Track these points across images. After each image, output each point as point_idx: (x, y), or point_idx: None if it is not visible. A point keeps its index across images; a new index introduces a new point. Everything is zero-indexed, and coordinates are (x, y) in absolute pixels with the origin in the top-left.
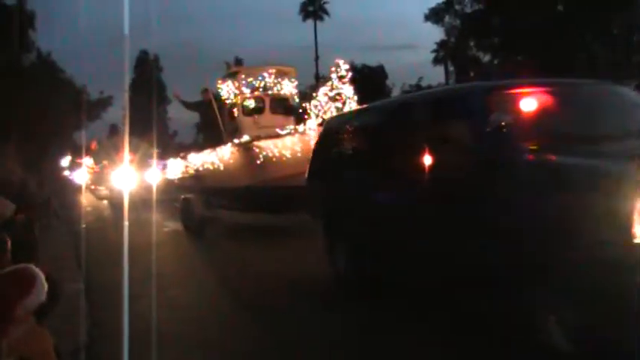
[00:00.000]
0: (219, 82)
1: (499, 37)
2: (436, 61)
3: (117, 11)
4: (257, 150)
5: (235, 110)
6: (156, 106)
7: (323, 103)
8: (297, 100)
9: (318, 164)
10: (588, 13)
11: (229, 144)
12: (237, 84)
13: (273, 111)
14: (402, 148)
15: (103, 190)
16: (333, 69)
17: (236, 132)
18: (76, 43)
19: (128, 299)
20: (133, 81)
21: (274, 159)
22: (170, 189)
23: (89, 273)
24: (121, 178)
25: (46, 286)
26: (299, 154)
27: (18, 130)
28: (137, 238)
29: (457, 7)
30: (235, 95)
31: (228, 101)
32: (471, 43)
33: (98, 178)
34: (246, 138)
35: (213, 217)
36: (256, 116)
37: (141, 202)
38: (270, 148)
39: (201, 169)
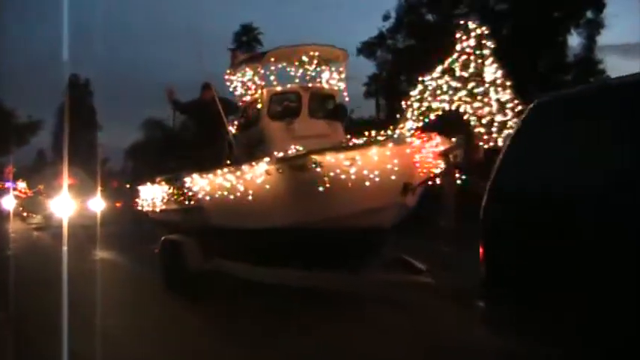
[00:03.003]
0: (228, 72)
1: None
2: (368, 94)
3: (48, 34)
4: (318, 169)
5: (256, 112)
6: (86, 132)
7: (445, 88)
8: (346, 98)
9: (522, 184)
10: (516, 52)
11: (263, 161)
12: (262, 72)
13: (314, 113)
14: None
15: (36, 218)
16: (461, 35)
17: (258, 143)
18: (5, 66)
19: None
20: (63, 105)
21: (350, 183)
22: (136, 222)
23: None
24: (59, 206)
25: None
26: (393, 177)
27: None
28: (61, 267)
29: (389, 41)
30: (258, 88)
31: (245, 99)
32: (402, 78)
33: (31, 204)
34: (295, 150)
35: (217, 270)
36: (289, 120)
37: (80, 231)
38: (341, 165)
39: (204, 197)
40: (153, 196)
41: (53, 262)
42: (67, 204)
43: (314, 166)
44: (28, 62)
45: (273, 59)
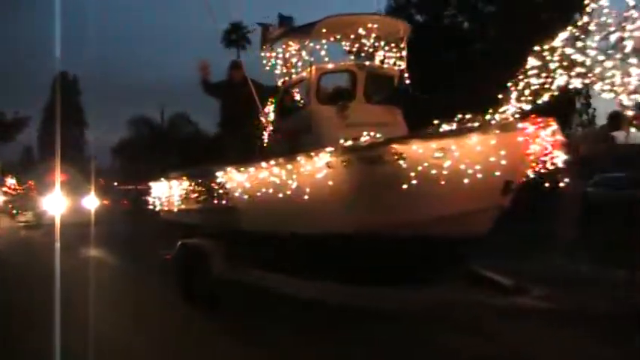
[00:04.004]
0: (264, 48)
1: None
2: None
3: (35, 31)
4: (401, 161)
5: (301, 94)
6: (73, 130)
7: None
8: (407, 80)
9: None
10: (505, 53)
11: (324, 151)
12: (310, 46)
13: (370, 97)
14: None
15: (27, 216)
16: None
17: (303, 131)
18: None
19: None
20: (50, 102)
21: (441, 180)
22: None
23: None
24: (51, 203)
25: None
26: (496, 172)
27: None
28: (52, 264)
29: None
30: (307, 65)
31: (286, 78)
32: None
33: (20, 201)
34: (369, 137)
35: (246, 281)
36: (343, 105)
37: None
38: (431, 157)
39: (241, 195)
40: (168, 193)
41: (44, 263)
42: (60, 201)
43: (395, 158)
44: (13, 59)
45: (324, 30)
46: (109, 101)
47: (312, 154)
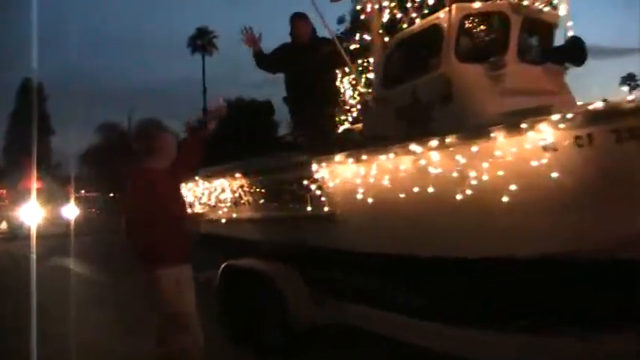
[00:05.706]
0: None
1: None
2: None
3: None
4: None
5: (429, 47)
6: (39, 137)
7: None
8: (570, 31)
9: None
10: None
11: (543, 120)
12: None
13: (526, 52)
14: None
15: (1, 227)
16: None
17: (437, 101)
18: None
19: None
20: (16, 110)
21: None
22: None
23: None
24: (27, 213)
25: None
26: None
27: None
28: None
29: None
30: (449, 3)
31: (404, 26)
32: None
33: None
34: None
35: (340, 322)
36: (495, 62)
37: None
38: None
39: (346, 197)
40: (206, 197)
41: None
42: (36, 211)
43: None
44: None
45: None
46: (75, 108)
47: (523, 125)
